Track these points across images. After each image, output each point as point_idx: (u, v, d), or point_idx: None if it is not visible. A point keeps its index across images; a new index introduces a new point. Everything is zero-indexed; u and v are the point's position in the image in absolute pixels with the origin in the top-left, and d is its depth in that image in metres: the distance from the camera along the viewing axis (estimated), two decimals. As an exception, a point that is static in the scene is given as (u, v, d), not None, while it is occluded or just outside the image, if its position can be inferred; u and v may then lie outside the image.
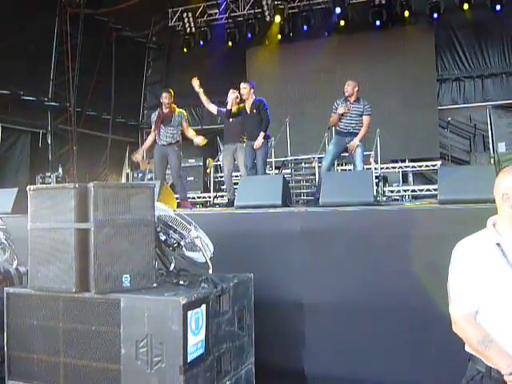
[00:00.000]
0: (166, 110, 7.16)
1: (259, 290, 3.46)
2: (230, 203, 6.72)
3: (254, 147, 6.76)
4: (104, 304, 2.73)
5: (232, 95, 7.03)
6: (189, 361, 2.61)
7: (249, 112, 6.93)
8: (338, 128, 6.91)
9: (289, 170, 10.39)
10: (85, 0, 11.30)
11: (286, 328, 4.04)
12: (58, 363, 2.83)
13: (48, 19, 11.01)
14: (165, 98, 7.16)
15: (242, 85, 6.97)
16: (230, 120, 7.15)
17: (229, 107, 6.99)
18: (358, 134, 6.70)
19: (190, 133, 7.31)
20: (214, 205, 9.65)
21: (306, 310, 4.05)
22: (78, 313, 2.79)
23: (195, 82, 7.37)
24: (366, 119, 6.72)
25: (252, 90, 6.95)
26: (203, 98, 7.47)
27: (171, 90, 7.32)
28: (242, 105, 7.07)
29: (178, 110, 7.28)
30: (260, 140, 6.69)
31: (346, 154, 7.12)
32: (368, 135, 8.97)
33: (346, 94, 6.73)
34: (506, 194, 2.12)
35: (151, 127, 7.35)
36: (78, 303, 2.79)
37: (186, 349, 2.58)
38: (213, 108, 7.47)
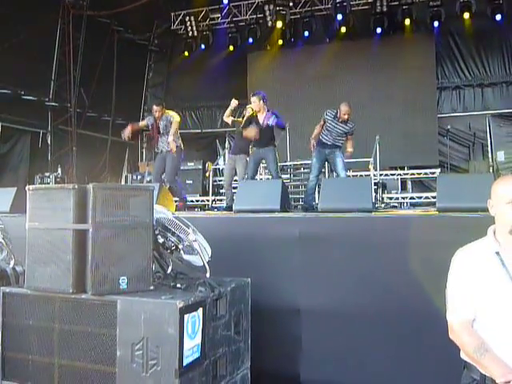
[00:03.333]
0: (158, 121, 7.14)
1: (256, 295, 3.45)
2: (228, 208, 6.74)
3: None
4: (100, 306, 2.72)
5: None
6: (184, 364, 2.60)
7: (262, 124, 6.77)
8: (323, 140, 7.01)
9: (288, 175, 10.40)
10: (88, 2, 11.35)
11: (283, 333, 4.03)
12: (52, 364, 2.81)
13: (51, 20, 11.05)
14: (155, 111, 7.08)
15: (252, 98, 6.86)
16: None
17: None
18: (339, 146, 6.96)
19: (170, 138, 6.96)
20: (212, 208, 9.65)
21: (303, 316, 4.04)
22: (74, 314, 2.78)
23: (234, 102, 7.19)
24: (350, 137, 7.05)
25: (262, 102, 6.79)
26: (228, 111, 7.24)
27: (162, 103, 7.30)
28: (251, 113, 6.95)
29: (166, 113, 7.18)
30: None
31: None
32: (367, 142, 9.05)
33: (346, 118, 6.89)
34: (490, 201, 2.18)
35: (151, 130, 7.33)
36: (74, 304, 2.77)
37: (181, 352, 2.57)
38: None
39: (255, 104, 6.81)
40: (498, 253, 2.10)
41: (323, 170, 7.97)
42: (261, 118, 6.83)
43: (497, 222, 2.16)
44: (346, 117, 6.85)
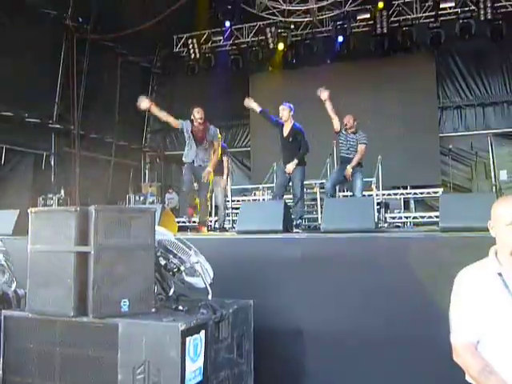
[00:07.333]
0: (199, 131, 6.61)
1: (259, 317, 3.42)
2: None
3: (286, 170, 6.65)
4: (102, 329, 2.69)
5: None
6: (186, 388, 2.57)
7: (285, 136, 6.68)
8: (340, 154, 7.28)
9: (290, 196, 10.38)
10: (91, 25, 11.51)
11: (286, 356, 3.99)
12: (53, 389, 2.79)
13: (55, 43, 11.21)
14: (200, 116, 6.56)
15: (281, 107, 6.74)
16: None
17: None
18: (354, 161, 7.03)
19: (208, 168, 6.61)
20: (213, 229, 9.62)
21: (306, 338, 3.99)
22: (75, 337, 2.75)
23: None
24: (359, 147, 7.08)
25: (291, 113, 6.73)
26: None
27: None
28: None
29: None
30: (292, 166, 6.56)
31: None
32: (370, 161, 9.04)
33: (347, 127, 7.10)
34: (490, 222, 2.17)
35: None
36: (75, 327, 2.75)
37: (183, 376, 2.54)
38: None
39: (284, 112, 6.69)
40: (500, 274, 2.08)
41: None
42: (286, 129, 6.70)
43: (498, 243, 2.15)
44: (347, 126, 7.06)
